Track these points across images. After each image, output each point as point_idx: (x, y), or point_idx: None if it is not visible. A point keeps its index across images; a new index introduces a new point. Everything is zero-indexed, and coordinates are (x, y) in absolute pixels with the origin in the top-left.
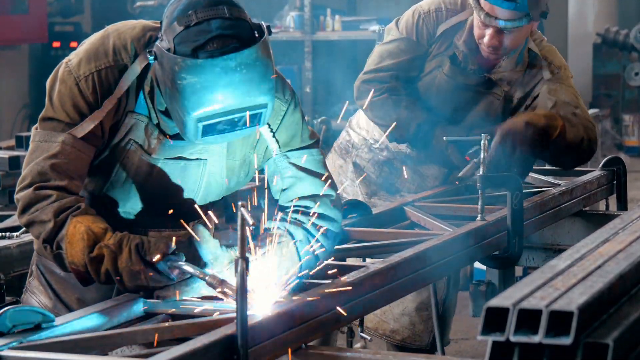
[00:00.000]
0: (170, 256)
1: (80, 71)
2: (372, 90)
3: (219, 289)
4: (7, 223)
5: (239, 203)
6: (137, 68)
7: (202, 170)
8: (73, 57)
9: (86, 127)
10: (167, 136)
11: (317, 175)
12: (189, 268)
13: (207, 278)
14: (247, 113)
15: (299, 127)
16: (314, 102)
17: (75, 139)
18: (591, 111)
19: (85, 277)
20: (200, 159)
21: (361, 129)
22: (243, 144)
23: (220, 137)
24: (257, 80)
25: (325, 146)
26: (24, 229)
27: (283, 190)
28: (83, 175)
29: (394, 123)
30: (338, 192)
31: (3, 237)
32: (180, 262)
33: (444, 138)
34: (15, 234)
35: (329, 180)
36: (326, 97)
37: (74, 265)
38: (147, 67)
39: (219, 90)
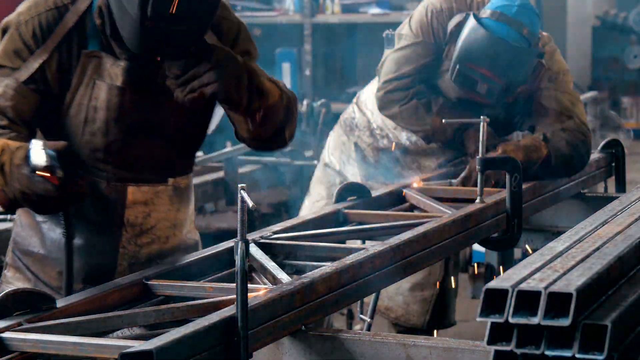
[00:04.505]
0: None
1: (21, 17)
2: (398, 101)
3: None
4: None
5: (240, 185)
6: (80, 6)
7: (168, 102)
8: (18, 8)
9: (30, 67)
10: (126, 61)
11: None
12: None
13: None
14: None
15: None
16: (313, 85)
17: (18, 83)
18: (590, 94)
19: (8, 200)
20: (165, 87)
21: (367, 109)
22: None
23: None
24: None
25: (325, 128)
26: None
27: None
28: (26, 122)
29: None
30: (339, 169)
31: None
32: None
33: (443, 120)
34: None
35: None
36: (326, 79)
37: None
38: (91, 6)
39: None
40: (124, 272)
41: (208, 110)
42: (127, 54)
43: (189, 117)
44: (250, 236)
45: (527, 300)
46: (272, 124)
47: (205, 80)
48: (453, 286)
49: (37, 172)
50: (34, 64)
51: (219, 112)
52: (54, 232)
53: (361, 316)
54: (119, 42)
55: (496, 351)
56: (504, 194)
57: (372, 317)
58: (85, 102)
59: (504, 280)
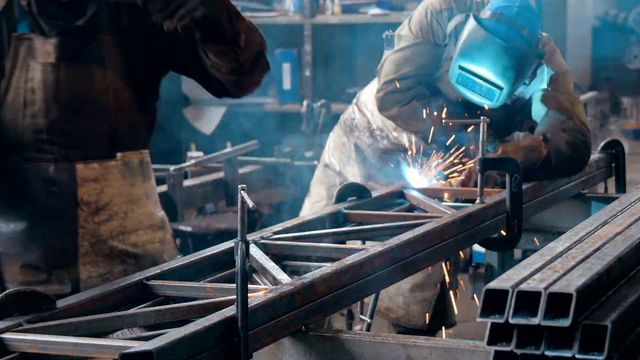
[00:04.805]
0: None
1: None
2: (399, 102)
3: None
4: None
5: (239, 186)
6: None
7: (106, 72)
8: None
9: None
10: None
11: None
12: None
13: None
14: None
15: None
16: (313, 86)
17: None
18: (590, 94)
19: None
20: (100, 59)
21: (367, 109)
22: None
23: None
24: None
25: (325, 128)
26: None
27: None
28: None
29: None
30: (339, 170)
31: None
32: None
33: (443, 121)
34: None
35: None
36: (326, 80)
37: None
38: None
39: None
40: (87, 254)
41: (153, 78)
42: (56, 30)
43: (130, 88)
44: (251, 236)
45: (527, 301)
46: (254, 45)
47: (191, 5)
48: (454, 287)
49: None
50: None
51: (218, 113)
52: (7, 226)
53: (361, 317)
54: (48, 18)
55: (496, 351)
56: (504, 194)
57: (372, 318)
58: (21, 85)
59: (504, 280)
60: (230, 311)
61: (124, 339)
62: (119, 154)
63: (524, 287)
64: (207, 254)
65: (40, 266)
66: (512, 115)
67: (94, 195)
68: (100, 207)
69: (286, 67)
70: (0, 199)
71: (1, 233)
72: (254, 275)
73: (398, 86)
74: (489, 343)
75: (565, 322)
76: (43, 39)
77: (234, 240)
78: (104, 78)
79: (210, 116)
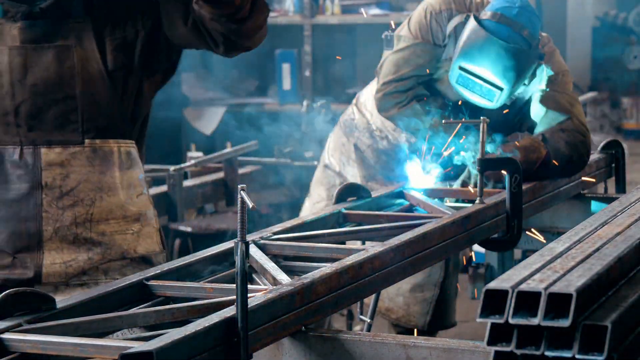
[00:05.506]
0: None
1: None
2: (397, 102)
3: None
4: None
5: (239, 186)
6: None
7: (73, 58)
8: None
9: None
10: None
11: None
12: None
13: None
14: None
15: None
16: (313, 86)
17: None
18: (589, 95)
19: None
20: (67, 45)
21: (366, 110)
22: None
23: None
24: None
25: (325, 129)
26: None
27: None
28: None
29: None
30: (339, 170)
31: None
32: None
33: (443, 121)
34: None
35: None
36: (326, 80)
37: None
38: None
39: None
40: (52, 239)
41: (124, 66)
42: (20, 13)
43: (107, 77)
44: (250, 237)
45: (527, 301)
46: None
47: None
48: (454, 287)
49: None
50: None
51: (218, 113)
52: None
53: (361, 317)
54: (12, 1)
55: (496, 352)
56: (504, 194)
57: (372, 318)
58: None
59: (504, 281)
60: (230, 311)
61: (124, 339)
62: (87, 141)
63: (523, 287)
64: (207, 254)
65: (5, 250)
66: (512, 115)
67: (58, 179)
68: (64, 192)
69: (286, 67)
70: None
71: None
72: (254, 276)
73: (397, 86)
74: (489, 343)
75: (565, 323)
76: (11, 23)
77: (234, 240)
78: (72, 64)
79: (210, 116)
